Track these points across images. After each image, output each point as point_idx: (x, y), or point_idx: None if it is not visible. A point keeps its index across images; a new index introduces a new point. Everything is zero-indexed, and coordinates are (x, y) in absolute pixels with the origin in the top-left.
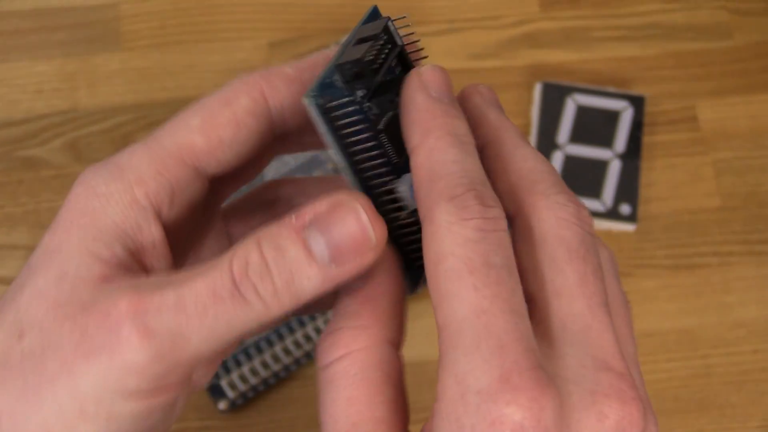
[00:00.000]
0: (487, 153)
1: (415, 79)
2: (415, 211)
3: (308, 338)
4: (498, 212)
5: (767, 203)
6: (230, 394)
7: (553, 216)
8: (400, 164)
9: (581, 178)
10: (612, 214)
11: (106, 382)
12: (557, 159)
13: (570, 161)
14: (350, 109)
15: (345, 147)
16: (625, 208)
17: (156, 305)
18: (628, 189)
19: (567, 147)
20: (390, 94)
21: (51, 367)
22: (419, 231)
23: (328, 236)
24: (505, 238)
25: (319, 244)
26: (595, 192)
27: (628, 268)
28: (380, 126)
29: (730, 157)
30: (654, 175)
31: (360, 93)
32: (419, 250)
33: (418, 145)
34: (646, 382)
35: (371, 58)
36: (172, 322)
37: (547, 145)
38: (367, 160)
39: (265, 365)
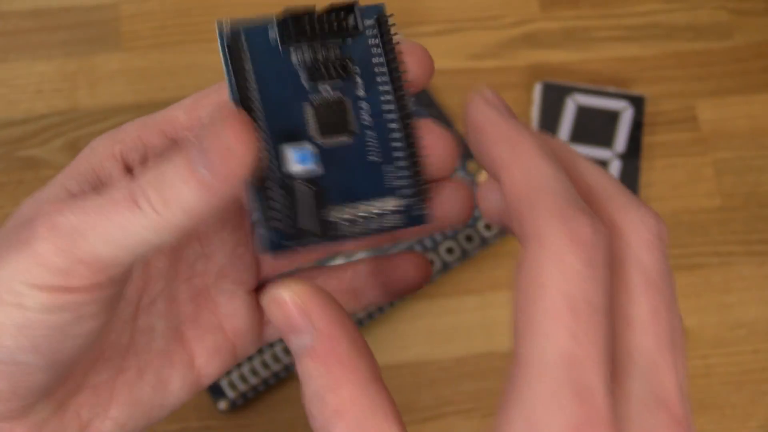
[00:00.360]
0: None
1: (481, 100)
2: (285, 178)
3: None
4: (608, 239)
5: (767, 203)
6: (230, 394)
7: (635, 235)
8: (315, 139)
9: None
10: None
11: (17, 271)
12: None
13: None
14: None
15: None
16: None
17: (68, 207)
18: (629, 189)
19: None
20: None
21: None
22: (285, 196)
23: (202, 145)
24: (609, 273)
25: (196, 154)
26: None
27: None
28: (309, 95)
29: (730, 157)
30: (654, 175)
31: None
32: (278, 210)
33: (509, 161)
34: None
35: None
36: (75, 219)
37: None
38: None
39: (265, 365)
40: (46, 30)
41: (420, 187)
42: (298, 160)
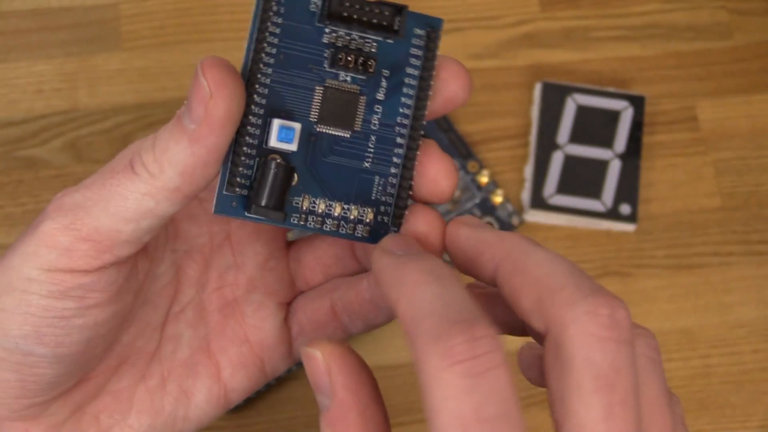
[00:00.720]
0: (500, 276)
1: (378, 250)
2: (266, 151)
3: None
4: (489, 343)
5: (767, 203)
6: None
7: (581, 332)
8: (312, 123)
9: (581, 178)
10: (612, 214)
11: (27, 255)
12: (557, 159)
13: (570, 161)
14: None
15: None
16: (625, 208)
17: (75, 187)
18: (628, 189)
19: (567, 147)
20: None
21: (7, 253)
22: (256, 168)
23: (188, 102)
24: (502, 376)
25: (184, 110)
26: (595, 192)
27: (628, 268)
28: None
29: (730, 157)
30: (654, 175)
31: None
32: (244, 178)
33: (397, 298)
34: None
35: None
36: (79, 197)
37: (547, 145)
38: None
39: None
40: (46, 30)
41: (400, 209)
42: (280, 138)
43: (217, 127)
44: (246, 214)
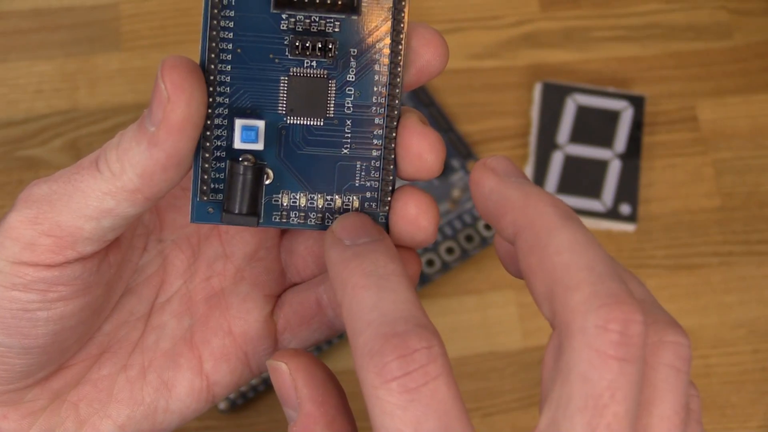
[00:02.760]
0: (519, 246)
1: (330, 237)
2: (234, 153)
3: None
4: (425, 356)
5: (767, 203)
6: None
7: (586, 346)
8: (282, 116)
9: (581, 178)
10: (612, 214)
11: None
12: (557, 159)
13: (570, 161)
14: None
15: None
16: (625, 208)
17: (44, 179)
18: (628, 189)
19: (567, 147)
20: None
21: None
22: (222, 169)
23: (150, 104)
24: (440, 387)
25: (146, 113)
26: (595, 192)
27: (628, 267)
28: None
29: (730, 157)
30: (654, 175)
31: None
32: (214, 183)
33: (341, 302)
34: None
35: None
36: (46, 189)
37: (547, 145)
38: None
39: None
40: (46, 30)
41: (386, 193)
42: (243, 139)
43: (176, 131)
44: (227, 222)
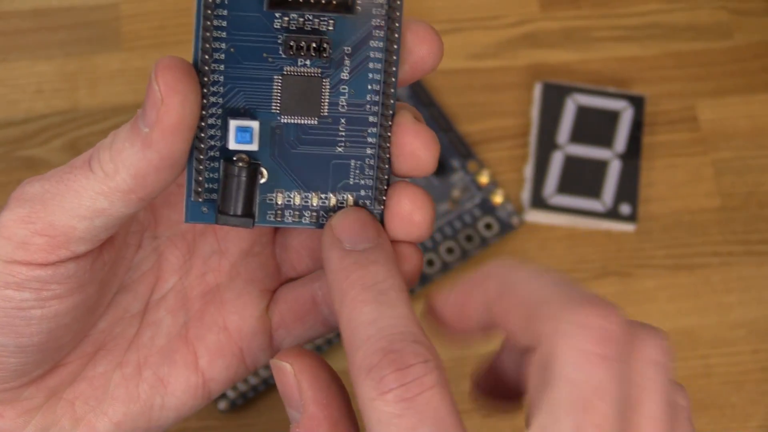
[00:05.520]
0: (492, 307)
1: (329, 234)
2: (228, 154)
3: None
4: (420, 369)
5: (767, 203)
6: (230, 394)
7: (570, 348)
8: (276, 115)
9: (581, 178)
10: (612, 214)
11: None
12: (557, 159)
13: (570, 161)
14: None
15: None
16: (625, 208)
17: (38, 177)
18: (628, 189)
19: (567, 147)
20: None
21: None
22: (216, 170)
23: (143, 104)
24: (435, 396)
25: (139, 113)
26: (595, 192)
27: (628, 268)
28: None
29: (730, 157)
30: (654, 175)
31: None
32: (209, 183)
33: (339, 312)
34: None
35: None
36: (39, 188)
37: (547, 145)
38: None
39: (265, 365)
40: (46, 30)
41: (380, 190)
42: (238, 140)
43: (169, 133)
44: (215, 221)
